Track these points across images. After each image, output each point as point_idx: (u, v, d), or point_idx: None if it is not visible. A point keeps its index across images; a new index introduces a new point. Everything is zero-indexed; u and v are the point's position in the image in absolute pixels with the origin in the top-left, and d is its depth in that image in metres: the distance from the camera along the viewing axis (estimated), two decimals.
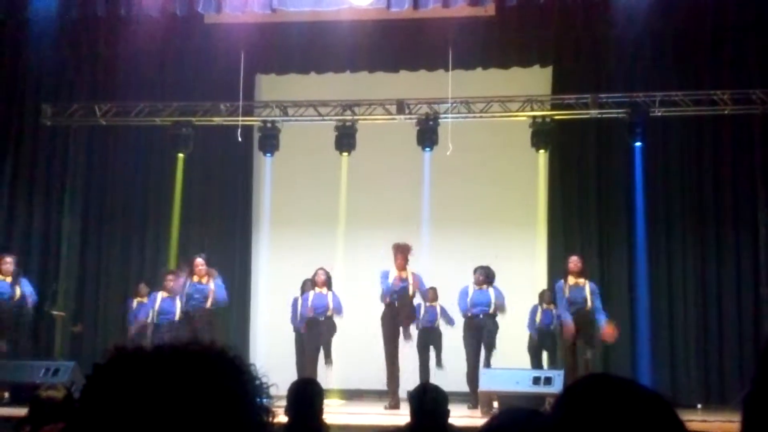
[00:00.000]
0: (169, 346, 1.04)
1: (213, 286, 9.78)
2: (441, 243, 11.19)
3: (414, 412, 4.21)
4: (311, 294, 10.19)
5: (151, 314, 9.98)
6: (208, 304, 9.74)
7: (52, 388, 4.06)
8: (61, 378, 8.70)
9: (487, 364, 9.63)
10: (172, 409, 0.97)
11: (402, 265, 9.83)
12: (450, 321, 10.42)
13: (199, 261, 9.86)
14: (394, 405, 9.39)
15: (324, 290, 10.19)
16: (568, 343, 9.51)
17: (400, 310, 9.77)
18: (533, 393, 8.53)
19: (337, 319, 10.18)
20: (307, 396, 4.12)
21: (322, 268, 10.30)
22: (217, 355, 1.04)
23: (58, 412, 3.74)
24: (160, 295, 10.01)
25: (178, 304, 9.87)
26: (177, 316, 9.86)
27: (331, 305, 10.12)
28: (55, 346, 11.50)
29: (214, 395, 0.99)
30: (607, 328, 9.51)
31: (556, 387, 8.43)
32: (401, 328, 9.79)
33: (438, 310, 10.47)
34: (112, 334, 11.56)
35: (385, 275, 9.83)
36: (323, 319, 10.08)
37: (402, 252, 9.85)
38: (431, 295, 10.35)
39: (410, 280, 9.84)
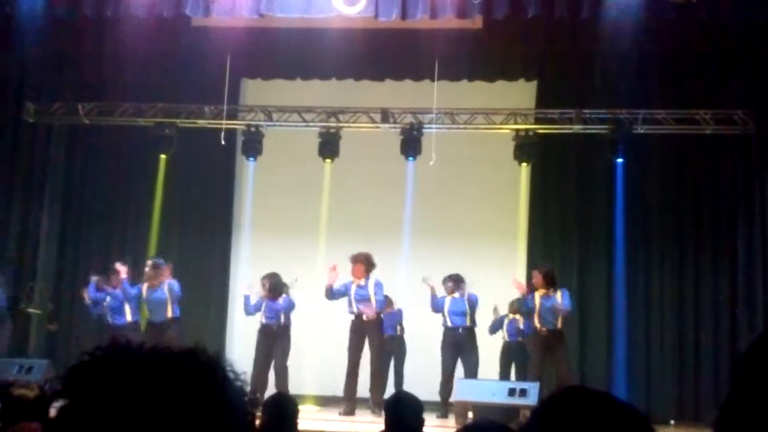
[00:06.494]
0: (147, 347, 1.03)
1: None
2: (422, 252, 11.19)
3: (388, 421, 4.20)
4: (265, 302, 10.18)
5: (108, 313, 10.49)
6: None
7: (25, 386, 4.03)
8: (35, 376, 8.65)
9: (472, 376, 9.61)
10: (154, 411, 0.96)
11: (359, 273, 9.81)
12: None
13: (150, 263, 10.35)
14: (349, 411, 9.50)
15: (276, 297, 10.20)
16: (536, 359, 9.56)
17: (367, 324, 9.76)
18: (508, 404, 8.54)
19: (294, 320, 10.17)
20: (283, 411, 4.11)
21: (265, 276, 10.26)
22: (200, 355, 1.03)
23: (29, 410, 3.71)
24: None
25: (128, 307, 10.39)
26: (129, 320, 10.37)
27: (282, 312, 10.11)
28: (29, 344, 11.43)
29: (198, 397, 0.98)
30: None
31: (532, 399, 8.44)
32: (367, 340, 9.79)
33: (398, 314, 10.51)
34: (87, 333, 11.48)
35: (346, 285, 9.87)
36: (276, 327, 10.07)
37: (358, 261, 9.82)
38: (387, 303, 10.33)
39: (370, 288, 9.79)
